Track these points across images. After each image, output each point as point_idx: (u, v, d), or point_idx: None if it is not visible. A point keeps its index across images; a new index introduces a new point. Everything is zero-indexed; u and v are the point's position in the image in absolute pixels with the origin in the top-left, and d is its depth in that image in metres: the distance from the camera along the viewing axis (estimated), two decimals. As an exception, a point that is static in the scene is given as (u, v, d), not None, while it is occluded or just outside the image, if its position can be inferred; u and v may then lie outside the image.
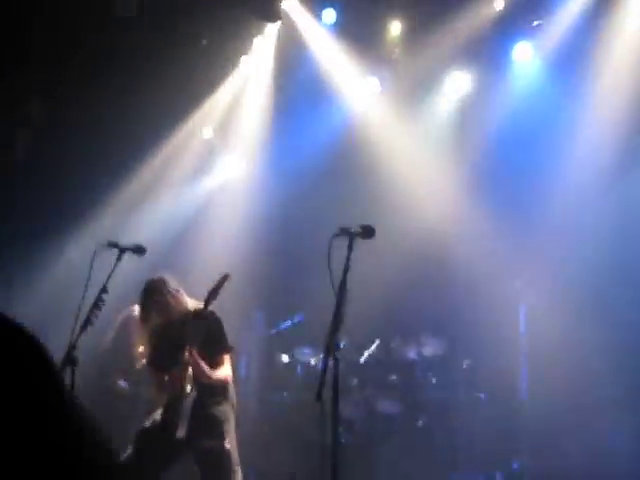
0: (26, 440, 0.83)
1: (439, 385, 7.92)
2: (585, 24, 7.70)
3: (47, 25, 7.53)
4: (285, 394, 8.11)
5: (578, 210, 7.55)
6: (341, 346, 4.36)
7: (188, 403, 5.40)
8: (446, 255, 8.03)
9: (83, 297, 4.90)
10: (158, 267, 5.94)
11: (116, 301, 5.59)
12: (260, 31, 8.67)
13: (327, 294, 4.49)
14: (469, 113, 8.42)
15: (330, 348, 4.29)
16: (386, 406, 7.84)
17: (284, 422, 7.85)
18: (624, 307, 7.33)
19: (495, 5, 7.97)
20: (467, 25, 7.91)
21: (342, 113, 8.74)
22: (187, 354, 5.36)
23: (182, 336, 5.41)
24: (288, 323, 8.49)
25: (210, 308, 5.38)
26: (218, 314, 5.56)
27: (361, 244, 4.41)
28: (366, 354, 7.88)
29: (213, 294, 5.32)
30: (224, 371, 5.54)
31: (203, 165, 9.21)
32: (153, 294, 5.54)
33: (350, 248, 4.39)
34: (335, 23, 8.45)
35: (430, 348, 7.99)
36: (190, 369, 5.37)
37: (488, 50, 8.21)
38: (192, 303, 5.58)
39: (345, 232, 4.48)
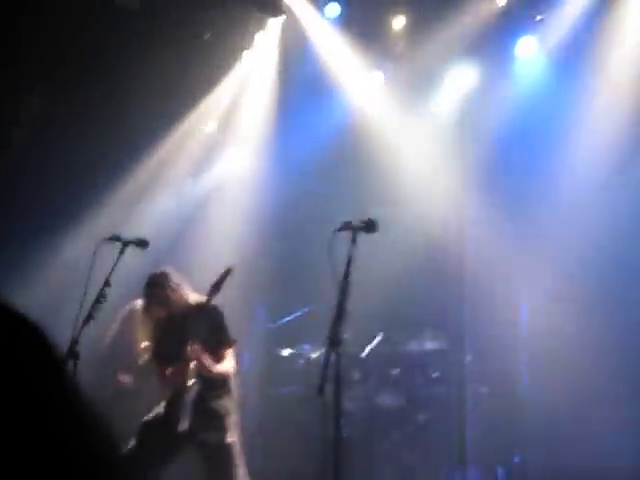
0: (28, 430, 0.84)
1: (441, 380, 7.92)
2: (588, 19, 7.68)
3: (43, 18, 7.53)
4: (287, 388, 8.12)
5: (582, 207, 7.54)
6: (343, 340, 4.37)
7: (190, 396, 5.41)
8: (449, 250, 8.02)
9: (85, 292, 4.90)
10: (160, 262, 5.96)
11: (119, 296, 5.61)
12: (262, 26, 8.66)
13: (330, 288, 4.50)
14: (473, 108, 8.40)
15: (332, 342, 4.30)
16: (388, 400, 7.84)
17: (286, 416, 7.85)
18: (628, 306, 7.33)
19: (498, 0, 7.96)
20: (470, 20, 7.89)
21: (345, 107, 8.73)
22: (189, 348, 5.37)
23: (184, 330, 5.42)
24: (290, 317, 8.49)
25: (213, 302, 5.39)
26: (221, 308, 5.57)
27: (364, 238, 4.42)
28: (368, 348, 7.88)
29: (216, 288, 5.33)
30: (226, 365, 5.55)
31: (205, 160, 9.21)
32: (155, 288, 5.56)
33: (353, 242, 4.40)
34: (339, 17, 8.44)
35: (432, 343, 7.99)
36: (192, 363, 5.39)
37: (491, 45, 8.19)
38: (195, 297, 5.60)
39: (347, 226, 4.49)
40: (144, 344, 6.24)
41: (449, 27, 7.93)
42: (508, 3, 7.93)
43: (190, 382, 5.41)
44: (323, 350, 6.94)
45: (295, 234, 8.57)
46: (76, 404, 0.90)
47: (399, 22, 8.40)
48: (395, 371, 7.97)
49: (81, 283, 4.85)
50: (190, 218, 8.84)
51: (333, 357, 4.33)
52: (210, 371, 5.43)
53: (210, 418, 5.45)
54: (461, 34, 7.96)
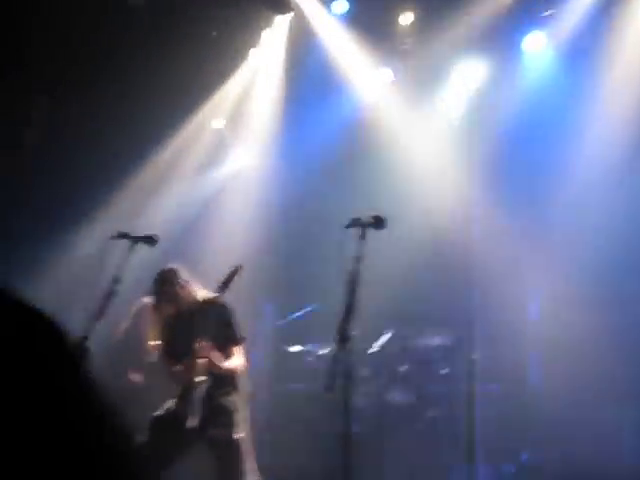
0: (44, 424, 0.84)
1: (450, 376, 7.91)
2: (597, 14, 7.66)
3: (55, 18, 7.55)
4: (295, 385, 8.12)
5: (591, 203, 7.53)
6: (352, 337, 4.37)
7: (199, 393, 5.42)
8: (457, 246, 8.01)
9: (96, 288, 4.92)
10: (170, 257, 5.96)
11: (130, 291, 5.61)
12: (269, 23, 8.66)
13: (338, 285, 4.50)
14: (481, 104, 8.39)
15: (341, 339, 4.30)
16: (397, 397, 7.84)
17: (294, 413, 7.86)
18: (638, 302, 7.31)
19: (506, -5, 7.95)
20: (479, 15, 7.88)
21: (353, 104, 8.72)
22: (198, 345, 5.38)
23: (193, 327, 5.42)
24: (299, 313, 8.49)
25: (222, 298, 5.40)
26: (230, 305, 5.57)
27: (372, 235, 4.41)
28: (377, 345, 7.87)
29: (225, 285, 5.33)
30: (235, 361, 5.55)
31: (214, 156, 9.22)
32: (164, 285, 5.57)
33: (362, 239, 4.40)
34: (346, 13, 8.44)
35: (441, 339, 7.98)
36: (201, 359, 5.39)
37: (499, 40, 8.18)
38: (203, 293, 5.60)
39: (357, 223, 4.49)
40: (153, 342, 6.26)
41: (457, 23, 7.92)
42: (516, -2, 7.92)
43: (199, 379, 5.42)
44: (332, 347, 6.96)
45: (303, 230, 8.57)
46: (92, 398, 0.90)
47: (407, 18, 8.39)
48: (404, 367, 7.96)
49: (92, 280, 4.86)
50: (198, 214, 8.86)
51: (342, 354, 4.33)
52: (219, 368, 5.44)
53: (219, 414, 5.46)
54: (469, 30, 7.94)
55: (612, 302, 7.34)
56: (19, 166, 7.86)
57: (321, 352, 7.93)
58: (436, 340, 7.98)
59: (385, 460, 7.52)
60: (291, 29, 8.69)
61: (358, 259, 4.39)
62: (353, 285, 4.35)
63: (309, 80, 8.65)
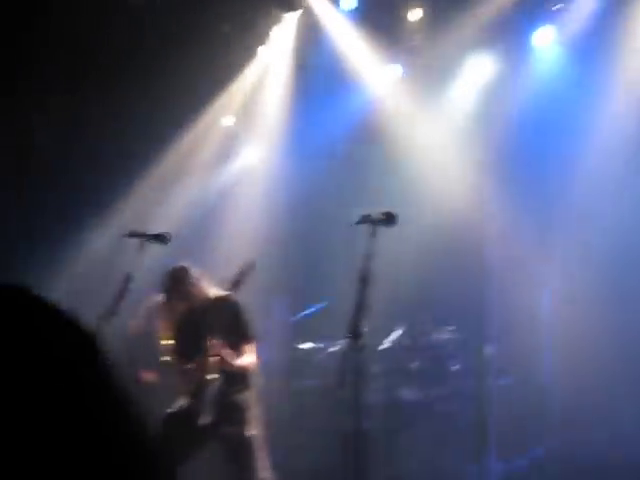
0: (62, 413, 0.85)
1: (462, 371, 7.90)
2: (606, 7, 7.63)
3: (73, 16, 7.59)
4: (307, 381, 8.13)
5: (602, 195, 7.51)
6: (363, 333, 4.37)
7: (211, 391, 5.44)
8: (469, 242, 8.00)
9: (109, 287, 4.93)
10: (181, 254, 5.97)
11: (142, 288, 5.63)
12: (277, 21, 8.66)
13: (349, 281, 4.51)
14: (491, 99, 8.37)
15: (352, 335, 4.30)
16: (408, 393, 7.84)
17: (306, 409, 7.86)
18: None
19: (515, -10, 7.93)
20: (488, 10, 7.86)
21: (363, 100, 8.72)
22: (209, 342, 5.39)
23: (205, 324, 5.44)
24: (311, 310, 8.50)
25: (233, 296, 5.41)
26: (241, 302, 5.58)
27: (382, 231, 4.41)
28: (388, 341, 7.87)
29: (237, 282, 5.34)
30: (247, 359, 5.56)
31: (225, 153, 9.23)
32: (175, 283, 5.58)
33: (372, 235, 4.39)
34: (355, 10, 8.43)
35: (453, 335, 7.98)
36: (213, 357, 5.41)
37: (509, 35, 8.16)
38: (215, 291, 5.61)
39: (367, 219, 4.48)
40: (165, 341, 6.26)
41: (466, 19, 7.90)
42: (525, -7, 7.90)
43: (211, 376, 5.43)
44: (343, 344, 6.97)
45: (313, 227, 8.56)
46: (109, 385, 0.90)
47: (416, 14, 8.37)
48: (415, 364, 7.96)
49: (105, 278, 4.88)
50: (209, 212, 8.87)
51: (353, 350, 4.33)
52: (230, 365, 5.45)
53: (231, 412, 5.47)
54: (478, 25, 7.93)
55: (625, 295, 7.32)
56: (37, 167, 7.89)
57: (332, 349, 7.93)
58: (448, 336, 7.98)
59: (396, 457, 7.52)
60: (300, 26, 8.69)
61: (369, 256, 4.39)
62: (364, 282, 4.34)
63: (318, 77, 8.65)
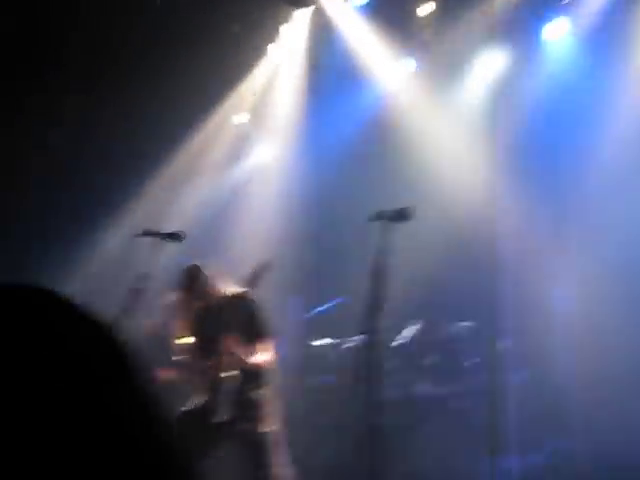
0: (89, 416, 0.85)
1: (476, 367, 7.89)
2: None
3: (86, 18, 7.62)
4: (322, 378, 8.14)
5: (617, 187, 7.47)
6: (379, 329, 4.37)
7: (228, 388, 5.45)
8: (483, 236, 7.97)
9: (122, 286, 4.95)
10: (195, 253, 5.99)
11: (156, 288, 5.63)
12: (287, 18, 8.66)
13: (364, 277, 4.50)
14: (503, 92, 8.34)
15: (368, 331, 4.31)
16: (422, 389, 7.84)
17: (321, 406, 7.87)
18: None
19: (526, -17, 7.91)
20: (499, 3, 7.83)
21: (375, 96, 8.70)
22: (225, 340, 5.40)
23: (220, 322, 5.45)
24: (325, 307, 8.50)
25: (249, 294, 5.42)
26: (257, 299, 5.59)
27: (398, 226, 4.40)
28: (404, 337, 7.87)
29: (253, 280, 5.35)
30: (263, 356, 5.57)
31: (237, 151, 9.24)
32: (191, 281, 5.59)
33: (386, 231, 4.39)
34: (366, 4, 8.42)
35: (468, 330, 7.97)
36: (229, 355, 5.42)
37: (521, 28, 8.13)
38: (231, 289, 5.62)
39: (380, 216, 4.48)
40: (180, 341, 6.27)
41: (478, 12, 7.88)
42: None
43: (227, 374, 5.44)
44: (357, 340, 6.97)
45: (328, 223, 8.56)
46: (136, 385, 0.91)
47: (427, 8, 8.34)
48: (430, 359, 7.95)
49: (119, 278, 4.90)
50: (224, 208, 8.88)
51: (369, 346, 4.34)
52: (246, 363, 5.46)
53: (248, 409, 5.48)
54: (490, 18, 7.90)
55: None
56: (50, 167, 7.92)
57: (347, 345, 7.94)
58: (462, 331, 7.97)
59: (411, 453, 7.52)
60: (311, 22, 8.68)
61: (383, 251, 4.38)
62: (379, 277, 4.34)
63: (330, 73, 8.64)
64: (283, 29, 8.70)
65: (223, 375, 5.43)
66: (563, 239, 7.78)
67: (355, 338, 7.42)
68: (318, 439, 7.52)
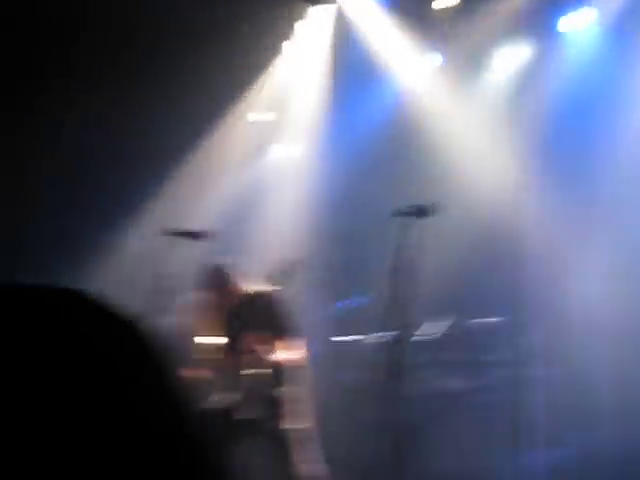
0: (124, 417, 0.85)
1: (505, 361, 7.86)
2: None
3: (95, 17, 7.66)
4: (348, 374, 8.14)
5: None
6: (406, 325, 4.37)
7: (251, 385, 5.46)
8: (510, 228, 7.93)
9: (146, 286, 4.97)
10: (219, 251, 6.00)
11: (180, 286, 5.66)
12: (303, 15, 8.66)
13: (389, 273, 4.50)
14: (526, 84, 8.29)
15: (394, 327, 4.31)
16: (451, 383, 7.82)
17: (347, 402, 7.87)
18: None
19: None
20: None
21: (398, 92, 8.67)
22: (249, 338, 5.41)
23: (245, 320, 5.46)
24: (352, 303, 8.49)
25: (272, 291, 5.43)
26: (281, 296, 5.59)
27: (423, 222, 4.39)
28: (431, 332, 7.85)
29: (280, 278, 5.36)
30: (289, 353, 5.57)
31: (259, 149, 9.24)
32: (214, 279, 5.61)
33: (406, 228, 4.38)
34: (387, -1, 8.39)
35: (494, 324, 7.94)
36: (254, 352, 5.43)
37: (543, 19, 8.09)
38: (255, 286, 5.63)
39: (404, 211, 4.48)
40: (202, 339, 6.29)
41: (500, 5, 7.84)
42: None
43: (250, 372, 5.45)
44: (386, 335, 6.95)
45: (351, 219, 8.54)
46: (169, 385, 0.90)
47: (447, 1, 8.29)
48: (458, 354, 7.94)
49: (143, 278, 4.91)
50: (248, 207, 8.89)
51: (395, 342, 4.34)
52: (269, 361, 5.46)
53: (271, 406, 5.49)
54: (513, 9, 7.86)
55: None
56: (67, 166, 7.97)
57: (375, 341, 7.92)
58: (489, 325, 7.94)
59: (439, 447, 7.50)
60: (330, 18, 8.67)
61: (407, 247, 4.38)
62: (404, 273, 4.34)
63: (352, 69, 8.62)
64: (298, 26, 8.68)
65: (246, 373, 5.44)
66: (591, 233, 7.72)
67: (384, 334, 7.41)
68: (348, 435, 7.52)
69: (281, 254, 5.67)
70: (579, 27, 8.08)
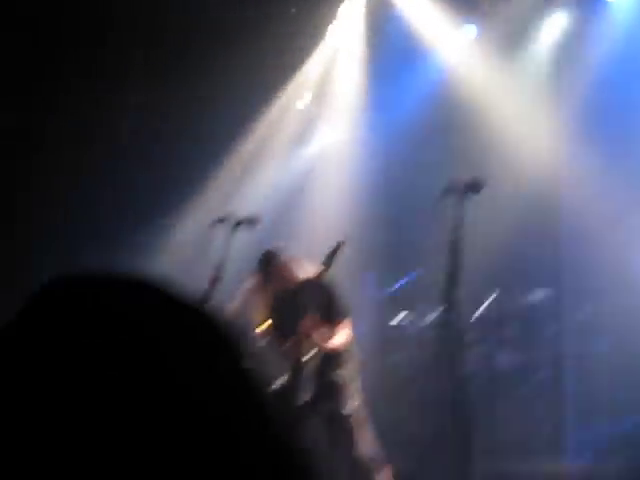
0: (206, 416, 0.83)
1: (557, 335, 7.80)
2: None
3: (123, 18, 7.73)
4: (402, 353, 8.14)
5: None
6: (457, 302, 4.36)
7: (309, 369, 5.49)
8: (555, 203, 7.86)
9: (200, 275, 5.01)
10: (270, 237, 6.03)
11: (233, 273, 5.70)
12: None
13: (439, 251, 4.49)
14: (568, 55, 8.18)
15: (448, 305, 4.30)
16: (505, 360, 7.79)
17: (403, 382, 7.87)
18: None
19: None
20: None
21: (437, 68, 8.61)
22: (304, 322, 5.44)
23: (298, 305, 5.49)
24: (402, 282, 8.48)
25: (325, 275, 5.45)
26: (333, 280, 5.61)
27: (471, 198, 4.36)
28: (482, 308, 7.81)
29: (328, 261, 5.37)
30: (342, 336, 5.59)
31: (302, 134, 9.24)
32: (268, 265, 5.64)
33: (460, 204, 4.36)
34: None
35: (547, 298, 7.88)
36: (308, 337, 5.45)
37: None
38: (307, 271, 5.65)
39: (453, 189, 4.45)
40: (260, 325, 6.34)
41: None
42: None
43: (307, 355, 5.48)
44: (438, 314, 6.95)
45: (399, 199, 8.51)
46: (252, 383, 0.88)
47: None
48: (511, 329, 7.90)
49: (196, 266, 4.95)
50: (293, 191, 8.91)
51: (449, 320, 4.33)
52: (325, 344, 5.49)
53: (329, 389, 5.52)
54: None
55: None
56: (117, 163, 8.04)
57: (427, 320, 7.91)
58: (541, 300, 7.88)
59: (495, 424, 7.48)
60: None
61: (457, 225, 4.36)
62: (455, 250, 4.33)
63: (392, 48, 8.57)
64: (341, 8, 8.65)
65: (303, 358, 5.47)
66: (637, 206, 7.61)
67: (435, 312, 7.40)
68: (400, 415, 7.53)
69: (329, 238, 5.67)
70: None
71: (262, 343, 5.82)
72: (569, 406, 7.50)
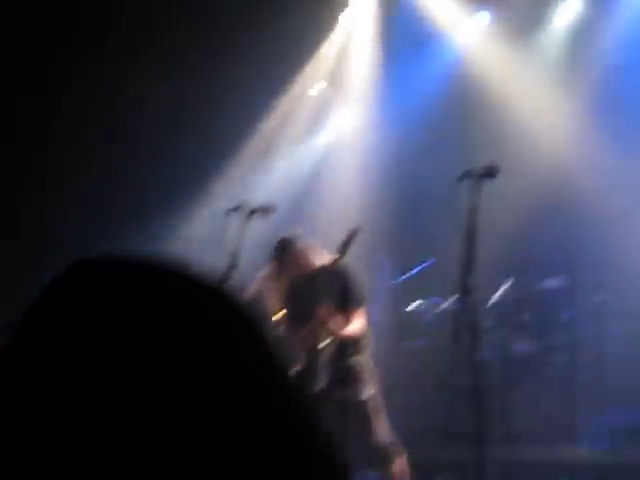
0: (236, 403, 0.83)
1: (573, 322, 7.78)
2: None
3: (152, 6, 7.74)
4: (418, 340, 8.14)
5: None
6: (473, 288, 4.34)
7: (325, 356, 5.50)
8: (570, 189, 7.83)
9: (215, 264, 5.01)
10: (284, 225, 6.03)
11: (249, 261, 5.70)
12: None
13: (456, 237, 4.48)
14: (583, 40, 8.13)
15: (463, 291, 4.29)
16: (521, 346, 7.78)
17: (419, 368, 7.87)
18: None
19: None
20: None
21: (451, 54, 8.58)
22: (319, 310, 5.45)
23: (314, 292, 5.49)
24: (418, 269, 8.47)
25: (341, 262, 5.45)
26: (349, 268, 5.61)
27: (486, 183, 4.35)
28: (497, 294, 7.80)
29: (344, 248, 5.37)
30: (358, 324, 5.59)
31: (317, 120, 9.24)
32: (284, 253, 5.65)
33: (475, 190, 4.34)
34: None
35: (562, 284, 7.86)
36: (324, 324, 5.46)
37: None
38: (323, 258, 5.65)
39: (469, 174, 4.43)
40: (276, 314, 6.35)
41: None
42: None
43: (323, 343, 5.49)
44: (453, 300, 6.93)
45: (414, 186, 8.50)
46: (278, 370, 0.88)
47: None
48: (526, 316, 7.88)
49: (211, 256, 4.95)
50: (308, 178, 8.92)
51: (465, 306, 4.32)
52: (341, 331, 5.50)
53: (345, 376, 5.52)
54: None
55: None
56: (134, 152, 8.06)
57: (442, 306, 7.91)
58: (556, 286, 7.86)
59: (512, 410, 7.48)
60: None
61: (474, 210, 4.34)
62: (471, 237, 4.31)
63: (404, 34, 8.55)
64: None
65: (318, 345, 5.48)
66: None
67: (451, 298, 7.39)
68: (417, 402, 7.54)
69: (344, 225, 5.66)
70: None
71: (277, 331, 5.83)
72: (585, 392, 7.48)
